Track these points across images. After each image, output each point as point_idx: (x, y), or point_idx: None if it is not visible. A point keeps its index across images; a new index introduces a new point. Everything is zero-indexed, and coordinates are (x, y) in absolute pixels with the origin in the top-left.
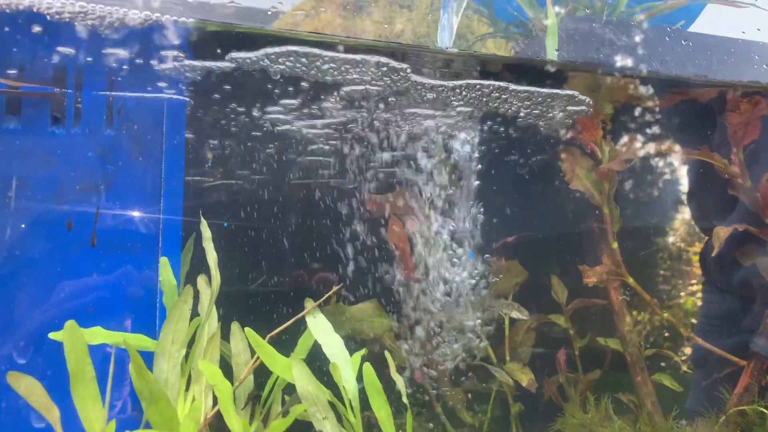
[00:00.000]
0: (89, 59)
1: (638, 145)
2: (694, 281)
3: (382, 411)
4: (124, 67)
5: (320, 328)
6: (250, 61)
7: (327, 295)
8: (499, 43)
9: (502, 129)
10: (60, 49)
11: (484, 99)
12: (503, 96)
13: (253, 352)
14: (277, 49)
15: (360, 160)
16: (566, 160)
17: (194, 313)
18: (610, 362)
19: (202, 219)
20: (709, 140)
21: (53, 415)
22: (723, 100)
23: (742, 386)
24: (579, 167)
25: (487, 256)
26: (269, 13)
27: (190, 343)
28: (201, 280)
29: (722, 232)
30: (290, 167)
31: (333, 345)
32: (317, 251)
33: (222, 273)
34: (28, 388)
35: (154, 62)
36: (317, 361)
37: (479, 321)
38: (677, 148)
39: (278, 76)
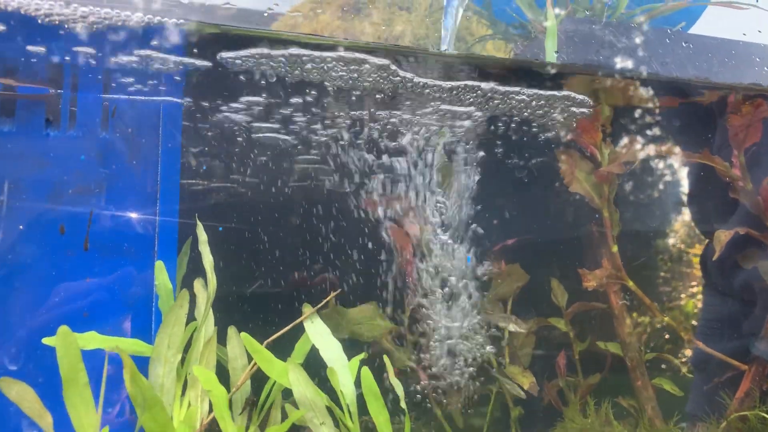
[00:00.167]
0: (84, 61)
1: (638, 147)
2: (694, 283)
3: (380, 416)
4: (120, 69)
5: (318, 333)
6: (247, 62)
7: (325, 301)
8: (498, 44)
9: (500, 131)
10: (55, 51)
11: (483, 101)
12: (501, 98)
13: (250, 357)
14: (278, 52)
15: (357, 162)
16: (565, 163)
17: (190, 317)
18: (610, 366)
19: (198, 222)
20: (709, 143)
21: (46, 421)
22: (723, 102)
23: (743, 391)
24: (578, 170)
25: (485, 262)
26: (265, 14)
27: (187, 348)
28: (197, 284)
29: (723, 236)
30: (289, 170)
31: (331, 349)
32: (317, 253)
33: (218, 276)
34: (20, 393)
35: (150, 64)
36: (316, 365)
37: (476, 328)
38: (677, 150)
39: (274, 78)
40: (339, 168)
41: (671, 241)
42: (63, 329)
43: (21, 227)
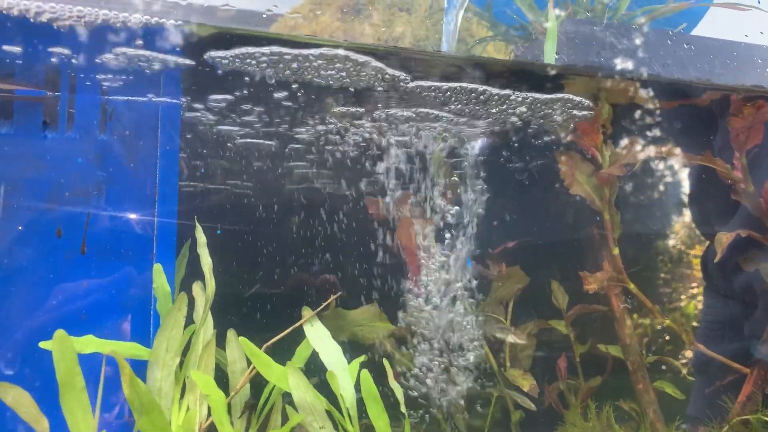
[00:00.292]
0: (82, 63)
1: (639, 149)
2: (694, 284)
3: (379, 420)
4: (118, 71)
5: (318, 336)
6: (241, 63)
7: (326, 304)
8: (499, 46)
9: (501, 133)
10: (53, 52)
11: (483, 103)
12: (502, 100)
13: (250, 360)
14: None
15: (358, 164)
16: (566, 165)
17: (189, 321)
18: (611, 369)
19: (197, 224)
20: (710, 145)
21: (42, 426)
22: (724, 103)
23: (745, 395)
24: (579, 172)
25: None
26: (264, 16)
27: (185, 351)
28: (196, 287)
29: (725, 238)
30: (288, 172)
31: (331, 353)
32: (317, 255)
33: (217, 279)
34: (16, 398)
35: (148, 65)
36: (316, 368)
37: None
38: (678, 152)
39: (273, 81)
40: (340, 170)
41: (672, 242)
42: (59, 333)
43: (19, 229)
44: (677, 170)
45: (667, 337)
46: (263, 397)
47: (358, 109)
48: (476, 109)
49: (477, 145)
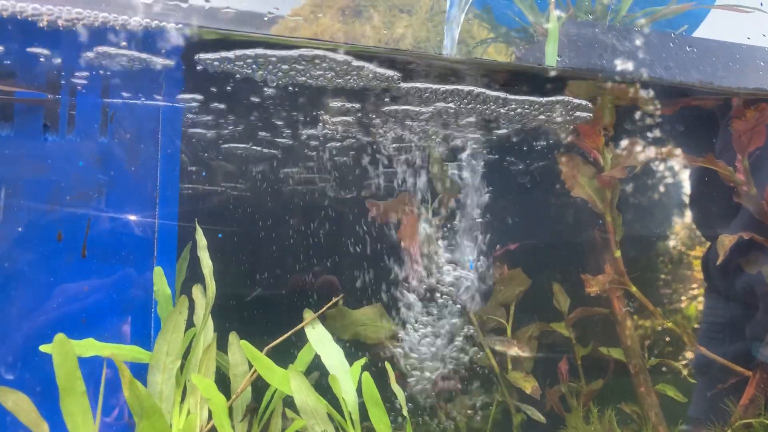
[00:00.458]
0: (82, 66)
1: (641, 151)
2: (694, 285)
3: (380, 423)
4: (119, 73)
5: (320, 339)
6: (243, 64)
7: (326, 308)
8: (500, 48)
9: (501, 135)
10: (54, 55)
11: (484, 105)
12: (503, 102)
13: (251, 363)
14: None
15: (360, 167)
16: (567, 167)
17: (189, 324)
18: (612, 372)
19: (198, 227)
20: (712, 147)
21: (42, 429)
22: (726, 106)
23: (747, 397)
24: (581, 175)
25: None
26: (266, 18)
27: (185, 354)
28: (196, 290)
29: (727, 241)
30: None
31: (332, 356)
32: (319, 257)
33: (217, 282)
34: (16, 403)
35: (149, 68)
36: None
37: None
38: (680, 154)
39: (275, 84)
40: (341, 173)
41: (673, 244)
42: (59, 337)
43: (20, 232)
44: (678, 172)
45: (668, 339)
46: (264, 400)
47: (359, 109)
48: (477, 111)
49: (478, 147)
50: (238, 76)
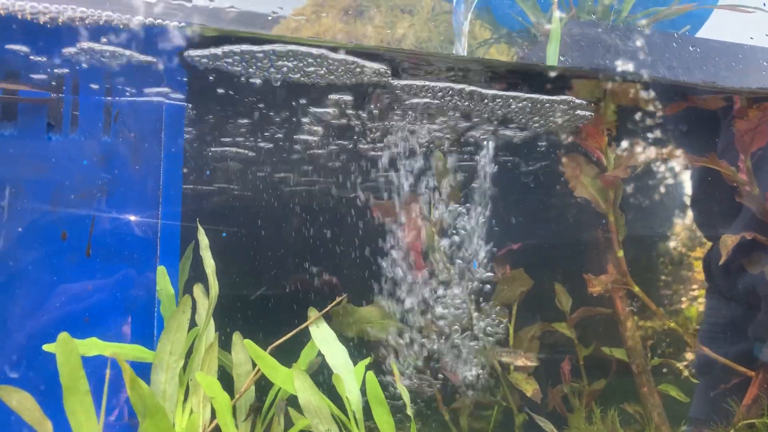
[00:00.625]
0: (86, 65)
1: (644, 151)
2: (695, 286)
3: (384, 423)
4: (122, 72)
5: (324, 339)
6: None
7: (330, 307)
8: (501, 48)
9: (504, 135)
10: (57, 54)
11: (487, 105)
12: (505, 102)
13: (254, 363)
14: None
15: (361, 167)
16: (570, 167)
17: (191, 323)
18: (615, 372)
19: (200, 227)
20: (714, 147)
21: (46, 428)
22: (728, 106)
23: (750, 397)
24: (584, 175)
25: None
26: (269, 18)
27: (188, 354)
28: (197, 290)
29: (730, 241)
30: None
31: (336, 355)
32: (323, 257)
33: (221, 281)
34: (21, 402)
35: (152, 67)
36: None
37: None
38: (682, 154)
39: (279, 82)
40: (345, 172)
41: (676, 244)
42: (63, 336)
43: (23, 231)
44: (680, 172)
45: (668, 339)
46: (268, 399)
47: (362, 109)
48: (480, 111)
49: (481, 147)
50: (242, 75)
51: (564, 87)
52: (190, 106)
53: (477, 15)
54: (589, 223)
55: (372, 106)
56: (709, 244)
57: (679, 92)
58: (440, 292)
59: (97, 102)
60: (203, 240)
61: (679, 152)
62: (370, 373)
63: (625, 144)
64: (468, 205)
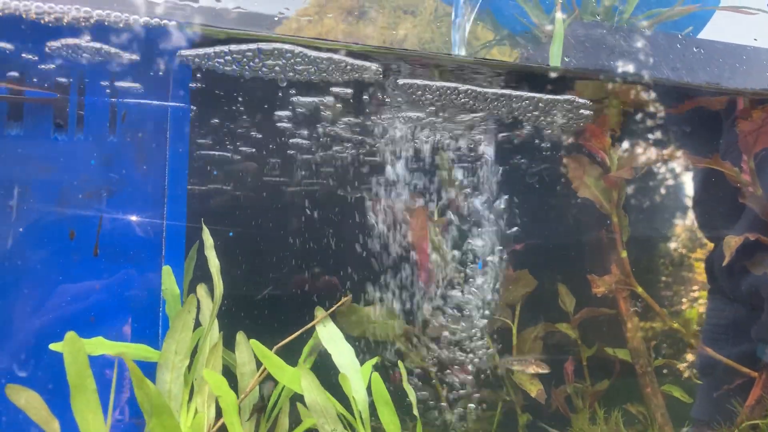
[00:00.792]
0: (91, 65)
1: (648, 152)
2: (695, 287)
3: (390, 424)
4: (127, 73)
5: (330, 338)
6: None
7: (336, 306)
8: (504, 49)
9: (507, 136)
10: (62, 54)
11: (491, 106)
12: (509, 103)
13: (258, 362)
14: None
15: (367, 166)
16: (574, 168)
17: (195, 323)
18: (618, 372)
19: (204, 227)
20: (716, 147)
21: (53, 427)
22: (731, 106)
23: (754, 398)
24: (587, 175)
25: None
26: (276, 19)
27: (192, 354)
28: (200, 290)
29: (733, 242)
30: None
31: (343, 355)
32: (329, 257)
33: (226, 280)
34: (28, 401)
35: (157, 68)
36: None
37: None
38: (686, 155)
39: (285, 83)
40: (347, 170)
41: (678, 245)
42: (70, 335)
43: (29, 231)
44: (683, 173)
45: (669, 341)
46: (272, 399)
47: (365, 109)
48: (483, 112)
49: (484, 147)
50: (247, 74)
51: (568, 87)
52: (195, 107)
53: (478, 17)
54: (591, 223)
55: (376, 106)
56: (711, 245)
57: (683, 93)
58: (446, 292)
59: (102, 102)
60: (208, 240)
61: (682, 153)
62: (376, 374)
63: (629, 145)
64: (473, 205)
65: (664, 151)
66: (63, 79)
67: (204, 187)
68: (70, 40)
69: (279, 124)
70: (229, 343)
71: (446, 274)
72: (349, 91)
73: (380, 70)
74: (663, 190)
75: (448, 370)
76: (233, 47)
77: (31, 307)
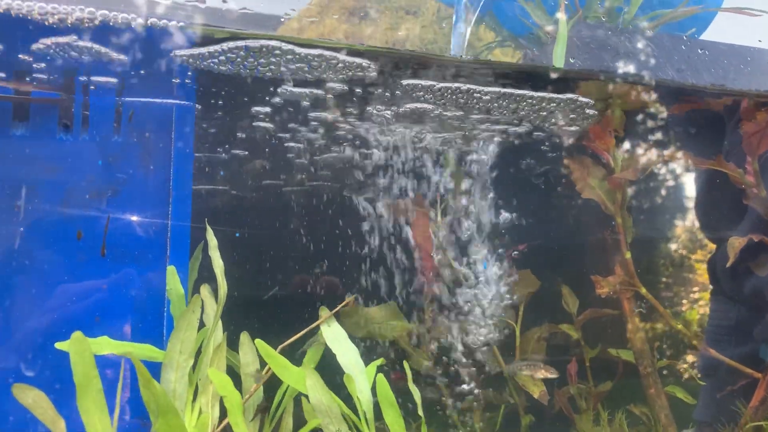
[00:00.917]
0: (96, 65)
1: (651, 153)
2: (696, 288)
3: (395, 425)
4: (133, 72)
5: (335, 337)
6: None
7: (340, 306)
8: (506, 50)
9: (510, 137)
10: (67, 55)
11: (496, 106)
12: (513, 104)
13: (262, 362)
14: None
15: (372, 167)
16: (578, 169)
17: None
18: (621, 373)
19: (208, 227)
20: (719, 149)
21: (59, 427)
22: (734, 108)
23: (757, 399)
24: (591, 176)
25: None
26: (282, 20)
27: (196, 354)
28: (204, 290)
29: (737, 243)
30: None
31: (348, 355)
32: (334, 257)
33: (230, 281)
34: (35, 400)
35: (162, 68)
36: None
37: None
38: (690, 156)
39: (290, 83)
40: (351, 172)
41: (681, 246)
42: (77, 335)
43: (35, 232)
44: (686, 174)
45: (671, 341)
46: (276, 399)
47: (369, 110)
48: (489, 113)
49: (488, 148)
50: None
51: (572, 88)
52: (199, 106)
53: (479, 18)
54: (595, 224)
55: (378, 107)
56: (713, 246)
57: (688, 94)
58: (450, 292)
59: (107, 102)
60: (212, 240)
61: (686, 154)
62: (381, 375)
63: (633, 146)
64: (477, 205)
65: (669, 152)
66: (67, 79)
67: (209, 187)
68: (73, 41)
69: (281, 124)
70: (232, 344)
71: (450, 274)
72: (352, 90)
73: (374, 67)
74: (666, 191)
75: (452, 370)
76: (224, 46)
77: (38, 307)
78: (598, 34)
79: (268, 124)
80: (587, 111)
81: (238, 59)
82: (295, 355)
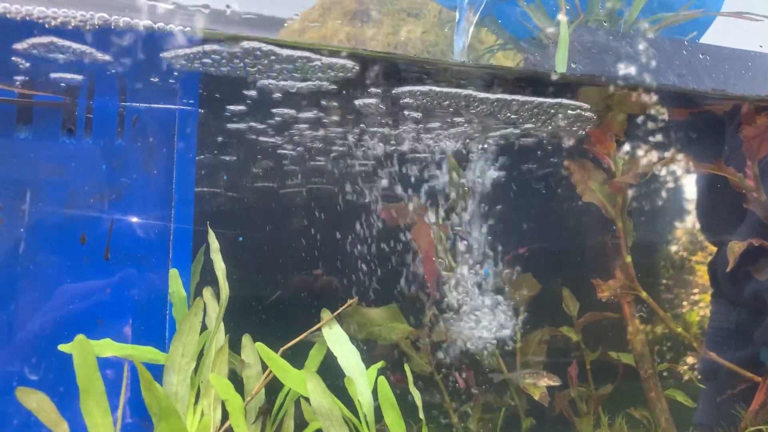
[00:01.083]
0: (100, 69)
1: (652, 157)
2: (696, 290)
3: (396, 427)
4: (135, 77)
5: (336, 340)
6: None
7: (343, 308)
8: (508, 54)
9: (511, 141)
10: (71, 58)
11: (497, 111)
12: (514, 108)
13: (264, 365)
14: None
15: (372, 171)
16: (578, 173)
17: (201, 326)
18: (622, 376)
19: (210, 230)
20: (719, 153)
21: (62, 429)
22: (734, 112)
23: (758, 403)
24: (592, 180)
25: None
26: (286, 25)
27: (199, 357)
28: (206, 293)
29: (737, 247)
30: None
31: (349, 357)
32: (335, 259)
33: (232, 284)
34: (38, 403)
35: (165, 71)
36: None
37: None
38: (690, 160)
39: (294, 89)
40: (352, 174)
41: (682, 249)
42: (80, 337)
43: (39, 235)
44: (687, 177)
45: (670, 344)
46: (278, 401)
47: (373, 112)
48: (488, 117)
49: (489, 152)
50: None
51: (573, 93)
52: (202, 110)
53: (480, 21)
54: (596, 228)
55: (382, 110)
56: (714, 248)
57: (689, 99)
58: (452, 297)
59: (111, 106)
60: (214, 243)
61: (686, 158)
62: (382, 378)
63: (634, 150)
64: (478, 210)
65: (670, 156)
66: (71, 84)
67: (213, 190)
68: (75, 45)
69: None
70: (234, 346)
71: (452, 279)
72: (349, 92)
73: (357, 68)
74: (668, 195)
75: (453, 373)
76: (226, 49)
77: (42, 310)
78: (600, 39)
79: (271, 128)
80: (588, 115)
81: (240, 63)
82: (297, 357)
